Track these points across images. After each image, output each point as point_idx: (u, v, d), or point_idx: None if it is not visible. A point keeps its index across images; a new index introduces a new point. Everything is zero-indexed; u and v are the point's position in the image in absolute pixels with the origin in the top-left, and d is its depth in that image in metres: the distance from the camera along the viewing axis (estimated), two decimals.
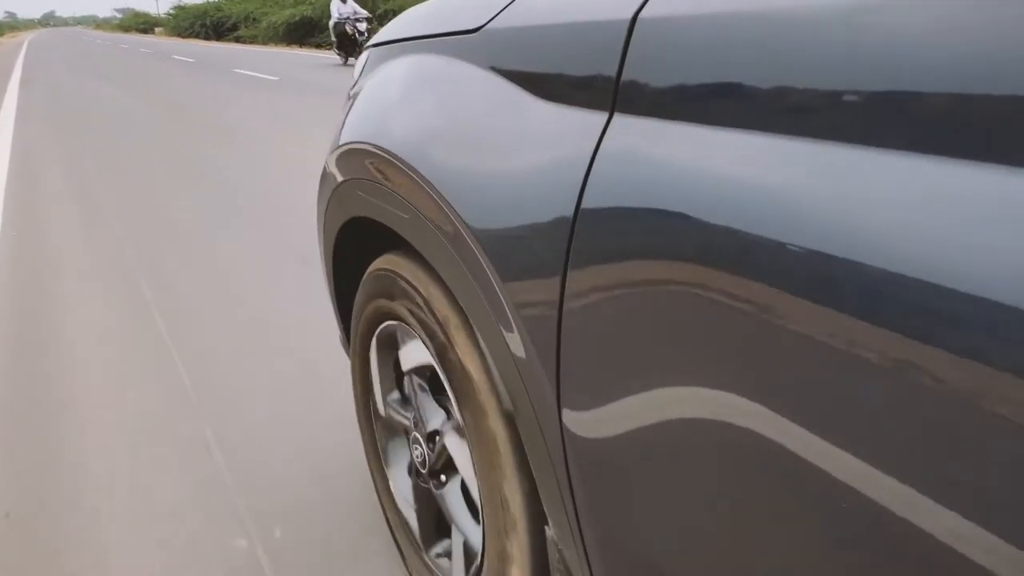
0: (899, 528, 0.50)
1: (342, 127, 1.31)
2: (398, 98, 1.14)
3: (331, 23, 14.23)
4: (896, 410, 0.49)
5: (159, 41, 25.46)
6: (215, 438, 2.00)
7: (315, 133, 4.74)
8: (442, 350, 1.03)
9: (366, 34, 13.40)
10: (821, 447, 0.54)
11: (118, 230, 4.07)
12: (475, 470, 1.03)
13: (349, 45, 13.66)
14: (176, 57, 16.01)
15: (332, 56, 14.88)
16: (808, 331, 0.54)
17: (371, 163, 1.14)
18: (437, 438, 1.20)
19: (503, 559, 1.00)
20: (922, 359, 0.47)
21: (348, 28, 13.58)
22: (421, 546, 1.32)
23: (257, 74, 12.56)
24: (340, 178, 1.28)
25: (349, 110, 1.33)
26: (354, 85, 1.43)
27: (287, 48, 19.41)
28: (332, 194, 1.33)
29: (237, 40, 25.23)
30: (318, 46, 18.44)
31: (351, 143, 1.23)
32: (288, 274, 3.20)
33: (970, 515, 0.46)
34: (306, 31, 19.13)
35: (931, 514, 0.48)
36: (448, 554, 1.28)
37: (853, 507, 0.52)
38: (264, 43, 21.68)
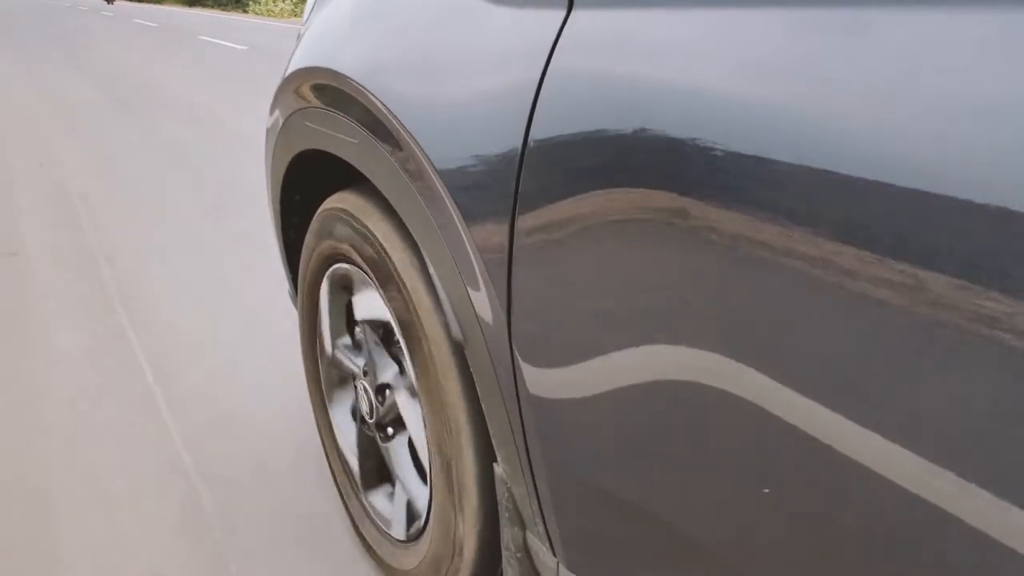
0: (827, 459, 0.49)
1: (288, 65, 1.25)
2: (348, 20, 1.09)
3: None
4: (866, 357, 0.46)
5: (104, 3, 34.84)
6: None
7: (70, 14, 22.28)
8: (388, 282, 0.99)
9: None
10: (771, 386, 0.51)
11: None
12: (423, 411, 0.99)
13: None
14: (79, 7, 27.46)
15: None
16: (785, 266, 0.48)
17: (318, 88, 1.09)
18: (387, 391, 1.16)
19: (452, 498, 0.96)
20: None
21: None
22: (361, 488, 1.29)
23: (84, 5, 28.40)
24: (286, 114, 1.22)
25: (296, 47, 1.27)
26: (304, 25, 1.37)
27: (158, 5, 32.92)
28: (279, 134, 1.27)
29: (158, 2, 35.64)
30: (208, 5, 30.53)
31: (296, 70, 1.17)
32: None
33: (904, 441, 0.44)
34: None
35: (857, 439, 0.46)
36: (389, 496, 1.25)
37: (797, 448, 0.51)
38: (172, 4, 31.98)
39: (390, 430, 1.22)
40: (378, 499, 1.26)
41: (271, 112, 1.32)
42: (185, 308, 2.32)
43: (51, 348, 2.07)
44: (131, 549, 1.34)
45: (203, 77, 7.99)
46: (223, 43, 11.77)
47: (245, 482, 1.52)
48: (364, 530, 1.28)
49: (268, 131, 1.35)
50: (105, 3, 30.38)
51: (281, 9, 21.73)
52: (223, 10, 26.47)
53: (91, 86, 7.22)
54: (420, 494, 1.15)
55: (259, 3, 22.07)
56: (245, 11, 24.21)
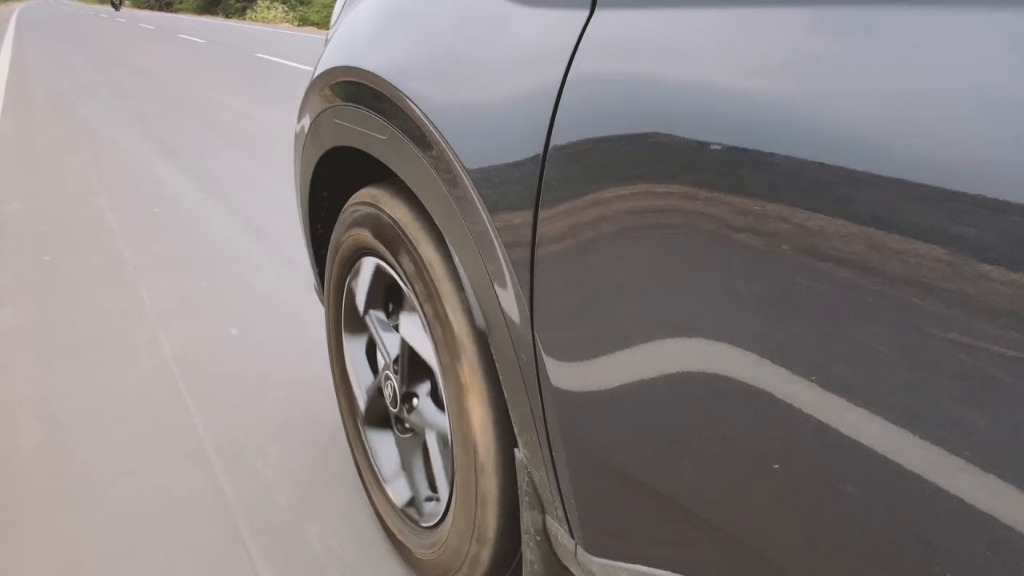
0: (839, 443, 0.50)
1: (317, 67, 1.27)
2: (377, 20, 1.11)
3: None
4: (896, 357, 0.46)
5: (114, 11, 38.19)
6: None
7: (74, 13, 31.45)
8: (414, 271, 1.01)
9: None
10: (790, 378, 0.52)
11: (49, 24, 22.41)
12: (447, 397, 1.01)
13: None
14: (100, 15, 31.33)
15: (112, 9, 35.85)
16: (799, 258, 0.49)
17: (347, 86, 1.11)
18: (397, 364, 1.18)
19: (473, 484, 0.98)
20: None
21: None
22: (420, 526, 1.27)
23: (104, 14, 31.45)
24: (315, 113, 1.25)
25: (324, 51, 1.29)
26: (332, 29, 1.40)
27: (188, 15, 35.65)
28: (308, 132, 1.29)
29: (176, 11, 38.32)
30: (217, 14, 32.62)
31: (325, 70, 1.19)
32: None
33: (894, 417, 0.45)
34: (215, 3, 32.76)
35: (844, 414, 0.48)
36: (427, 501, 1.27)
37: (813, 434, 0.52)
38: (188, 13, 34.59)
39: (414, 400, 1.22)
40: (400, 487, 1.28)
41: (299, 118, 1.34)
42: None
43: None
44: None
45: (161, 55, 12.33)
46: (192, 39, 15.89)
47: None
48: (389, 521, 1.30)
49: (296, 136, 1.37)
50: (114, 10, 34.07)
51: (274, 16, 22.82)
52: (227, 17, 29.18)
53: (84, 58, 11.78)
54: (445, 480, 1.16)
55: (255, 11, 25.48)
56: (243, 17, 26.83)
